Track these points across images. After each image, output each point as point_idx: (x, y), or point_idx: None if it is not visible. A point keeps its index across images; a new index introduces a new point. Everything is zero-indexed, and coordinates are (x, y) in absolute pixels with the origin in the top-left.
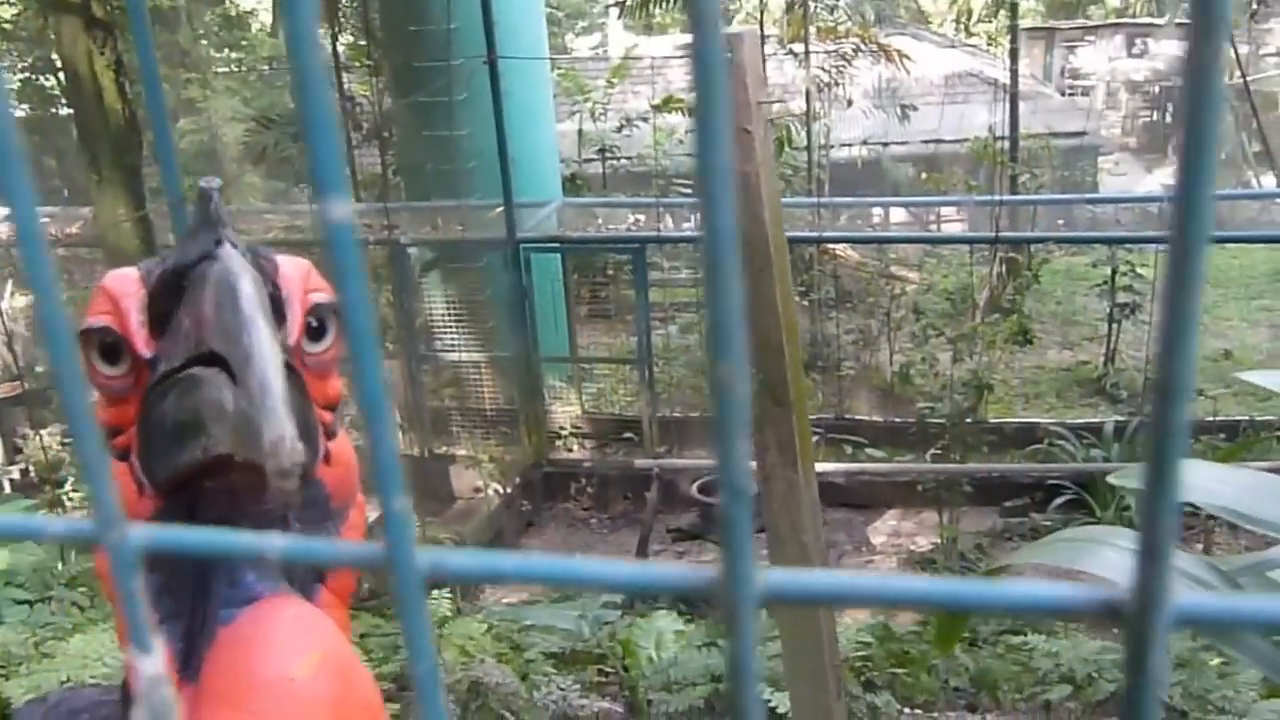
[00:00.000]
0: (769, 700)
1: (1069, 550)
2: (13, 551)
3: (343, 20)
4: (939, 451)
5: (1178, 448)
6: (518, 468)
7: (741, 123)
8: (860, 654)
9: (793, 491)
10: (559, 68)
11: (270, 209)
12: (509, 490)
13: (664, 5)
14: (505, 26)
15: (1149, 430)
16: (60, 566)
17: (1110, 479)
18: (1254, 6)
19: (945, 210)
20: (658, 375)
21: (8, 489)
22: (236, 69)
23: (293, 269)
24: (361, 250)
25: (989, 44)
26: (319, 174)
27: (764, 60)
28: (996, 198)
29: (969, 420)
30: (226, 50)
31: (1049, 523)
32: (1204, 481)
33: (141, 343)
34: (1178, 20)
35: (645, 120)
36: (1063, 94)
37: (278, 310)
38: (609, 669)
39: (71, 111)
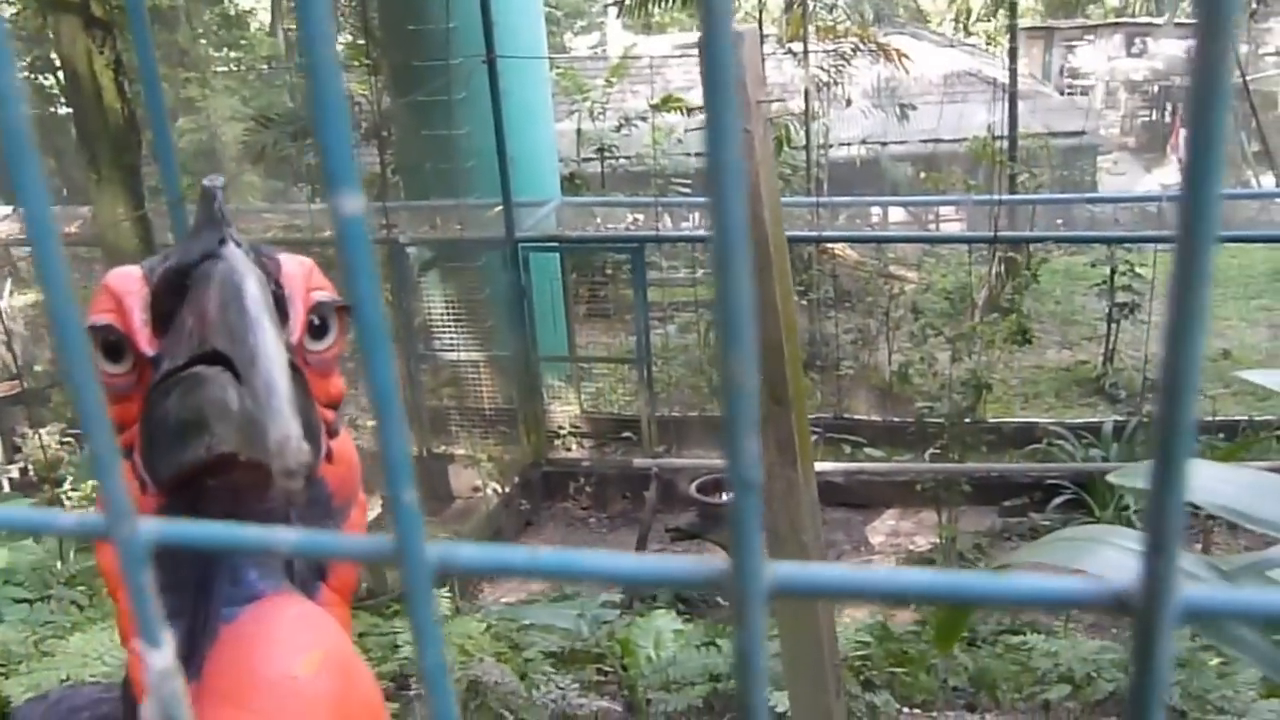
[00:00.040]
0: (768, 700)
1: (1068, 549)
2: (12, 550)
3: (341, 19)
4: (938, 451)
5: (1185, 441)
6: (516, 467)
7: (741, 122)
8: (859, 653)
9: (792, 491)
10: (558, 67)
11: (269, 208)
12: (508, 490)
13: (662, 5)
14: (504, 26)
15: (1156, 424)
16: (60, 565)
17: (1110, 478)
18: (1253, 6)
19: (944, 210)
20: (656, 375)
21: (7, 488)
22: (235, 68)
23: (295, 267)
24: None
25: (988, 43)
26: (330, 168)
27: (763, 59)
28: (995, 197)
29: (968, 420)
30: (225, 49)
31: (1048, 522)
32: (1204, 480)
33: (144, 341)
34: (1177, 20)
35: (644, 120)
36: (1062, 93)
37: (280, 309)
38: (608, 668)
39: (70, 110)
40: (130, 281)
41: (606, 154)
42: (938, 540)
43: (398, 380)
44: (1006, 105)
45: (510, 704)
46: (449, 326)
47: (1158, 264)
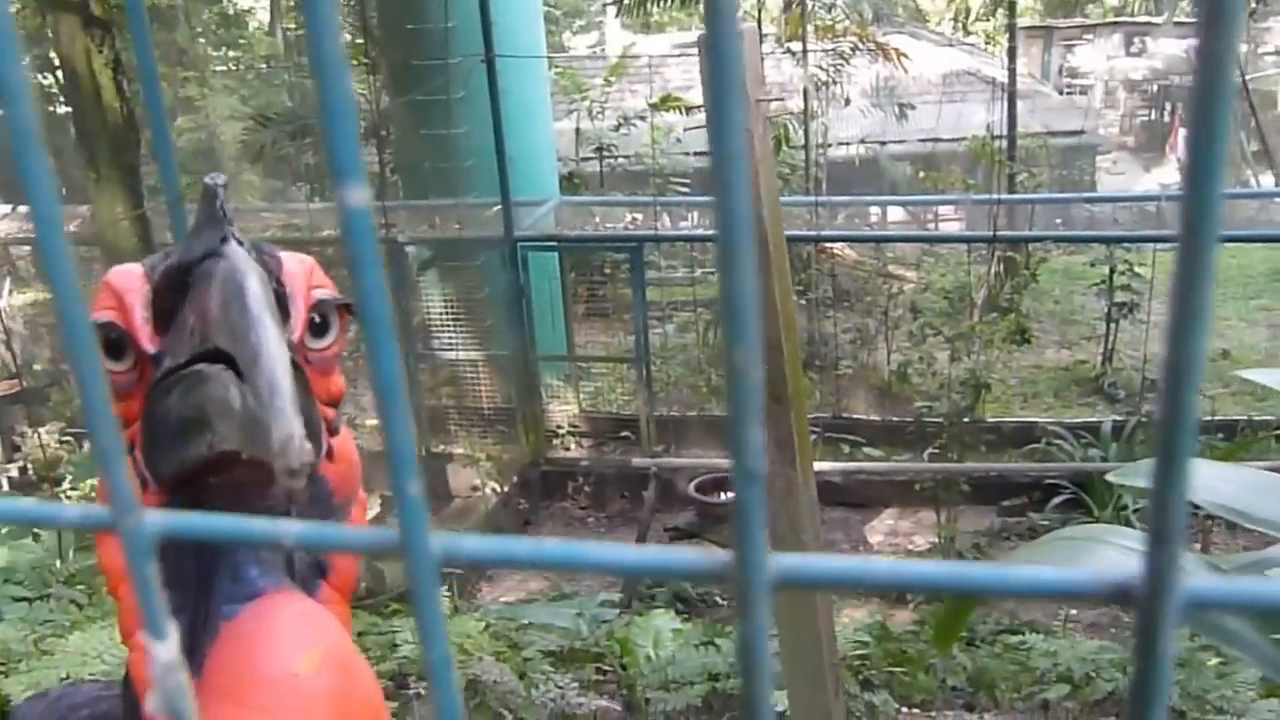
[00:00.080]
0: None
1: (1067, 549)
2: (11, 549)
3: (340, 18)
4: (936, 451)
5: (1188, 432)
6: (515, 466)
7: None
8: (858, 653)
9: (791, 490)
10: (556, 66)
11: (268, 207)
12: (506, 489)
13: (661, 4)
14: (503, 25)
15: (1159, 415)
16: (59, 564)
17: (1109, 477)
18: (1253, 5)
19: (943, 209)
20: (655, 374)
21: (6, 487)
22: (234, 67)
23: (296, 265)
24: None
25: (987, 42)
26: (337, 161)
27: (762, 58)
28: (994, 196)
29: (966, 419)
30: (224, 49)
31: (1047, 522)
32: (1203, 479)
33: (146, 338)
34: (1176, 19)
35: (643, 119)
36: (1061, 93)
37: (281, 307)
38: (607, 667)
39: (69, 110)
40: (131, 279)
41: (605, 153)
42: (936, 540)
43: (402, 372)
44: (1005, 105)
45: (509, 703)
46: (448, 326)
47: (1156, 264)
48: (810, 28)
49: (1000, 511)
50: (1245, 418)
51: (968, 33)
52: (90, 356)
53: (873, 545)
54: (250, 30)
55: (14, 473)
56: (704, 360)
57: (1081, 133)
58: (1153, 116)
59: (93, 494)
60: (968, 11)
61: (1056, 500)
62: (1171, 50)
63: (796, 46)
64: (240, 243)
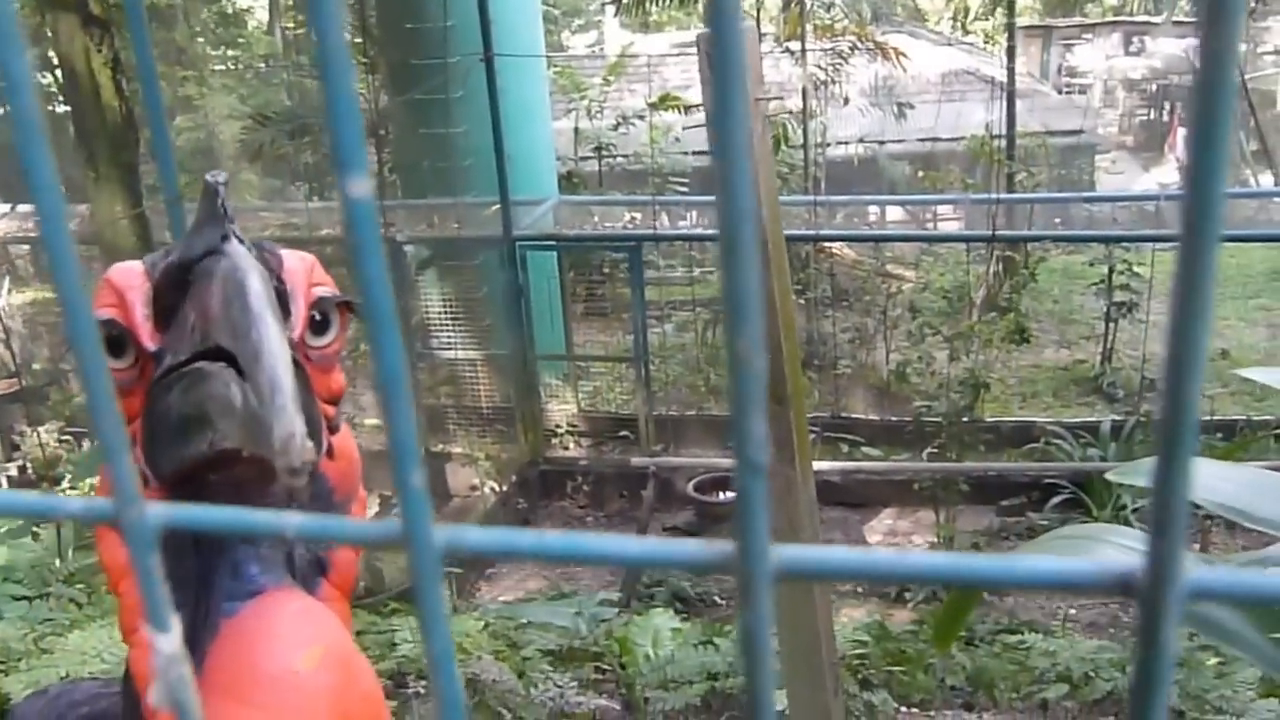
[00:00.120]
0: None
1: (1066, 549)
2: (11, 548)
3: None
4: (935, 450)
5: (1189, 424)
6: (514, 466)
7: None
8: (857, 652)
9: (790, 489)
10: (555, 65)
11: (266, 206)
12: (505, 488)
13: (660, 3)
14: (502, 24)
15: (1161, 409)
16: (58, 563)
17: (1109, 476)
18: (1252, 4)
19: (942, 209)
20: (654, 373)
21: (5, 486)
22: (233, 66)
23: (296, 263)
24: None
25: (986, 42)
26: (340, 152)
27: (761, 58)
28: (993, 196)
29: (965, 419)
30: (223, 48)
31: (1046, 522)
32: (1203, 478)
33: (146, 336)
34: (1175, 18)
35: (641, 118)
36: (1060, 92)
37: (282, 304)
38: (606, 666)
39: (68, 109)
40: (132, 276)
41: (604, 153)
42: (935, 539)
43: (406, 362)
44: (1004, 104)
45: (508, 702)
46: (446, 325)
47: (1155, 263)
48: (809, 27)
49: (999, 511)
50: (1244, 417)
51: (966, 32)
52: (93, 345)
53: (871, 545)
54: (249, 29)
55: (13, 471)
56: (703, 360)
57: (1080, 132)
58: (1152, 116)
59: (92, 493)
60: (966, 11)
61: (1055, 500)
62: (1170, 49)
63: (795, 46)
64: (241, 240)
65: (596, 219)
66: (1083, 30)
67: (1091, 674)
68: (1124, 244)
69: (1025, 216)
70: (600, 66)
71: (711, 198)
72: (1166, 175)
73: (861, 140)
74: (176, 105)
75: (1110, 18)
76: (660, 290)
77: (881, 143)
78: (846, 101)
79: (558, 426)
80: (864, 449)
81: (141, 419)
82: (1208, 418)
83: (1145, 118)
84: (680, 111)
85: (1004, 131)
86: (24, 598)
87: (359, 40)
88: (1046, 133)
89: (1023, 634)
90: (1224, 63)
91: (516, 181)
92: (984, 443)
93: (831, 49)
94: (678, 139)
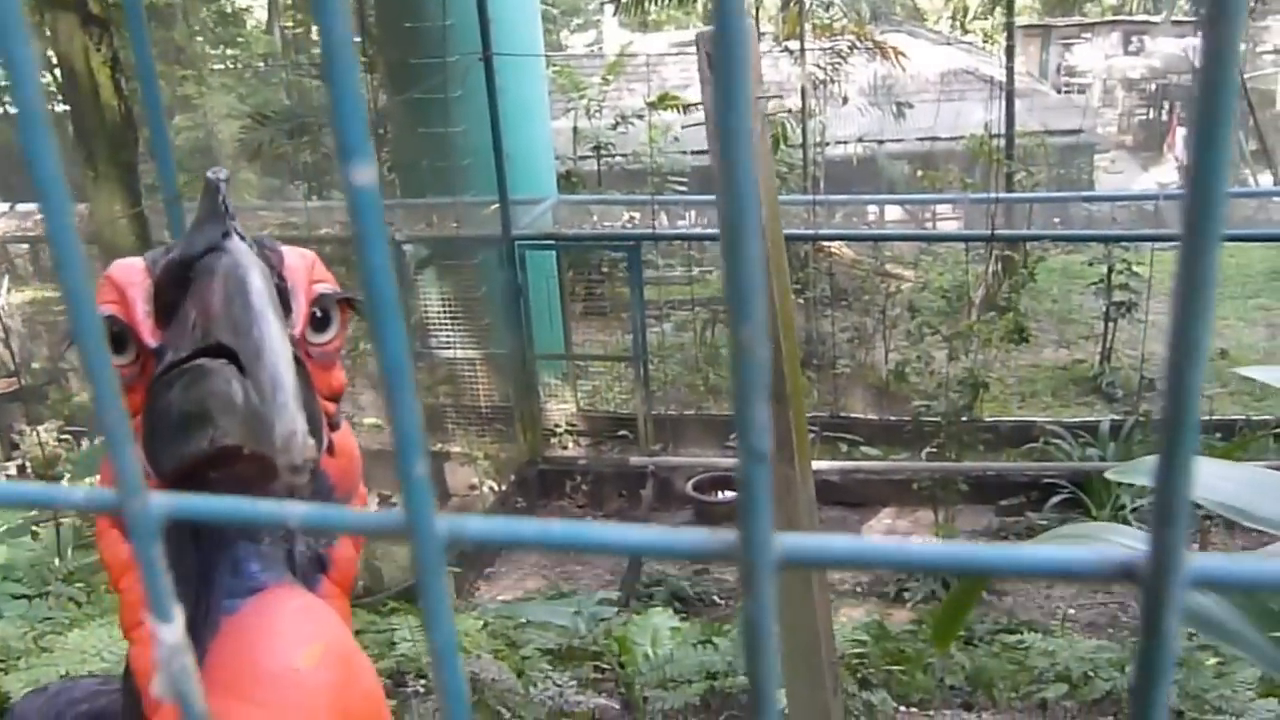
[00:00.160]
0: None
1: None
2: (10, 547)
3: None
4: (934, 450)
5: (1191, 417)
6: (513, 465)
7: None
8: (856, 652)
9: (789, 489)
10: (554, 65)
11: (265, 205)
12: (504, 488)
13: (659, 3)
14: (501, 23)
15: (1164, 398)
16: (58, 562)
17: (1109, 474)
18: (1251, 4)
19: (941, 208)
20: (653, 373)
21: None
22: (232, 65)
23: (297, 260)
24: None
25: (985, 41)
26: (344, 139)
27: (759, 57)
28: (992, 195)
29: (964, 419)
30: (222, 47)
31: (1045, 521)
32: (1203, 477)
33: (147, 332)
34: (1174, 18)
35: (640, 117)
36: (1059, 91)
37: (283, 301)
38: (605, 665)
39: (67, 108)
40: (133, 273)
41: (603, 152)
42: (934, 539)
43: (409, 352)
44: (1003, 103)
45: (507, 701)
46: (445, 324)
47: (1155, 263)
48: (808, 26)
49: (998, 511)
50: (1244, 417)
51: (966, 31)
52: (97, 336)
53: None
54: (248, 28)
55: (12, 470)
56: (701, 359)
57: (1080, 131)
58: (1151, 115)
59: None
60: (966, 10)
61: (1054, 499)
62: (1170, 49)
63: (794, 45)
64: (243, 237)
65: (595, 218)
66: (1082, 30)
67: (1090, 673)
68: (1123, 244)
69: (1024, 216)
70: (599, 66)
71: (711, 197)
72: (1166, 175)
73: (860, 140)
74: (175, 104)
75: (1109, 17)
76: (659, 290)
77: (880, 142)
78: (845, 101)
79: (556, 426)
80: (863, 448)
81: (142, 416)
82: (1207, 417)
83: (1144, 117)
84: (679, 111)
85: (1003, 131)
86: (23, 596)
87: (358, 39)
88: (1045, 132)
89: (1022, 634)
90: (1226, 62)
91: (515, 181)
92: (983, 442)
93: (830, 48)
94: (676, 138)
